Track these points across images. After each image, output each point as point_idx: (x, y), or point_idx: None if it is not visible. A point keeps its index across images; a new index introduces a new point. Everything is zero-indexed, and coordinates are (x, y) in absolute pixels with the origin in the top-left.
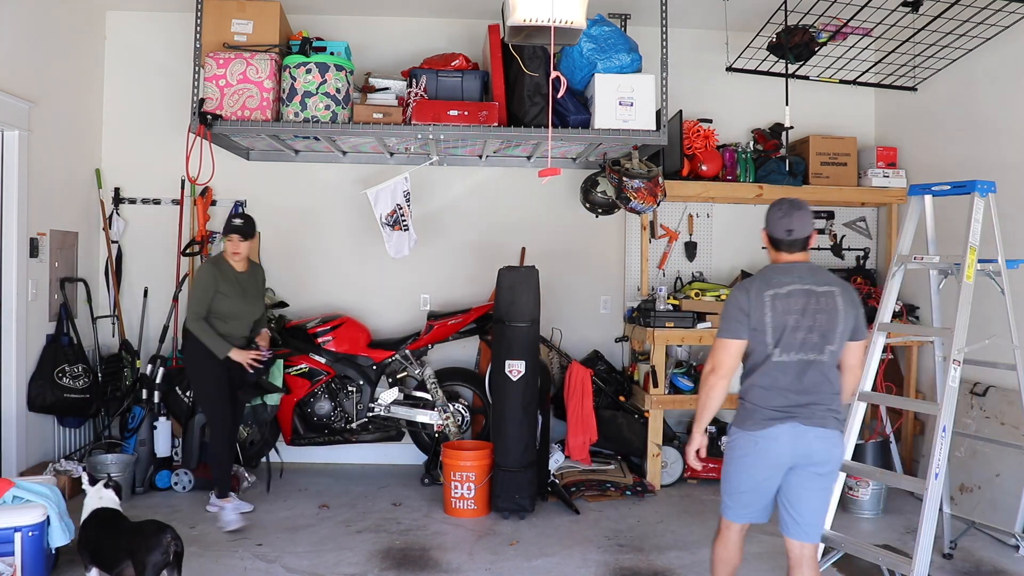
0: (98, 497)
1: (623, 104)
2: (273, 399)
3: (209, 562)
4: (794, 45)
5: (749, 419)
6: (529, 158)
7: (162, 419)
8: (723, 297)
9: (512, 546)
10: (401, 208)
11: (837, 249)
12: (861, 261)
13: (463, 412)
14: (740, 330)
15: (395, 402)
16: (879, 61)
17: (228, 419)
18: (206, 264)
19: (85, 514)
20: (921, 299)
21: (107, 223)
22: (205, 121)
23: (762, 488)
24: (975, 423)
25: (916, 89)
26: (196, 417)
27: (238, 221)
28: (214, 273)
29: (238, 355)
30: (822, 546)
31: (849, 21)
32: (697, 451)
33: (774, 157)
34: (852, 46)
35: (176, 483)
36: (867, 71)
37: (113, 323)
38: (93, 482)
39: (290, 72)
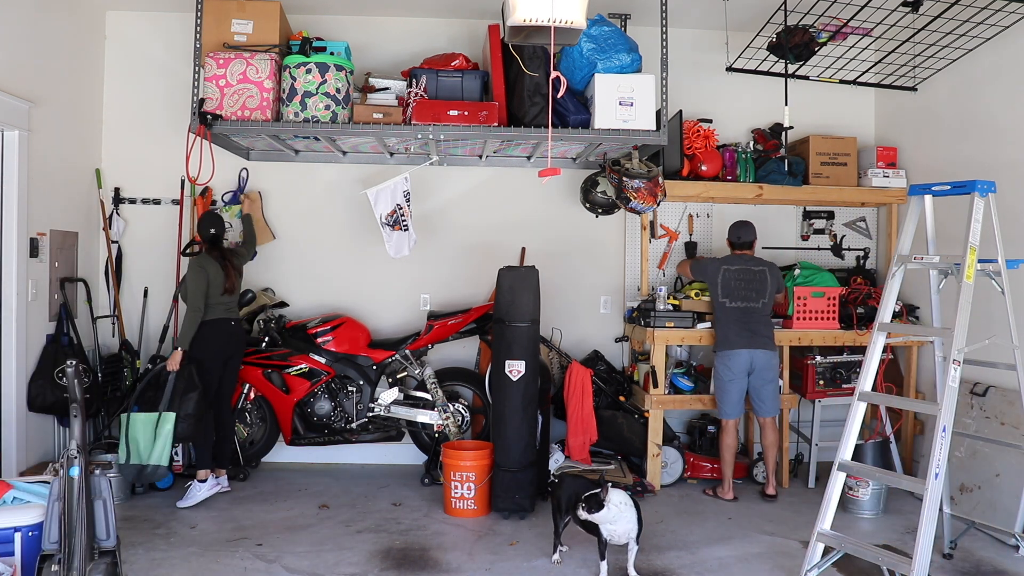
0: None
1: (623, 104)
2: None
3: (209, 562)
4: (794, 45)
5: (722, 345)
6: (529, 158)
7: None
8: None
9: (512, 546)
10: (401, 208)
11: (837, 249)
12: (861, 261)
13: (463, 412)
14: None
15: (395, 402)
16: (879, 61)
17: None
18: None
19: None
20: (921, 299)
21: (107, 223)
22: (205, 121)
23: (738, 390)
24: (975, 423)
25: (916, 89)
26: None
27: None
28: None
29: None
30: (821, 546)
31: (849, 21)
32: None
33: (774, 157)
34: (852, 46)
35: None
36: (867, 71)
37: (113, 323)
38: None
39: (290, 72)
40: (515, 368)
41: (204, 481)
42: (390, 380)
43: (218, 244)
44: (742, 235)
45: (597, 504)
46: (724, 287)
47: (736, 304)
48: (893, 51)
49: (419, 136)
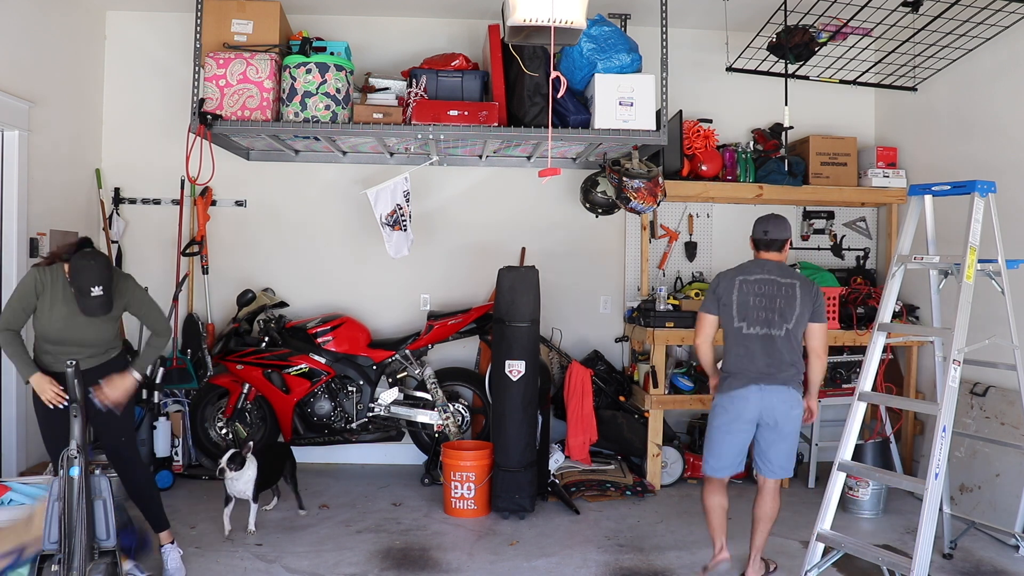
0: None
1: (623, 104)
2: None
3: (209, 562)
4: (794, 45)
5: (725, 383)
6: (529, 158)
7: (162, 419)
8: None
9: (512, 546)
10: (401, 208)
11: (837, 249)
12: (861, 261)
13: (463, 412)
14: (711, 307)
15: (395, 402)
16: (879, 61)
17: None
18: (32, 268)
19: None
20: (921, 299)
21: (107, 223)
22: (205, 121)
23: (737, 443)
24: (975, 423)
25: (916, 89)
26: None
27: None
28: (37, 279)
29: (38, 383)
30: (821, 546)
31: (849, 21)
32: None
33: (774, 157)
34: (852, 46)
35: None
36: (867, 71)
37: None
38: None
39: (290, 72)
40: (515, 368)
41: (173, 542)
42: (390, 380)
43: None
44: (769, 231)
45: None
46: (741, 305)
47: (754, 330)
48: (893, 51)
49: (419, 136)
